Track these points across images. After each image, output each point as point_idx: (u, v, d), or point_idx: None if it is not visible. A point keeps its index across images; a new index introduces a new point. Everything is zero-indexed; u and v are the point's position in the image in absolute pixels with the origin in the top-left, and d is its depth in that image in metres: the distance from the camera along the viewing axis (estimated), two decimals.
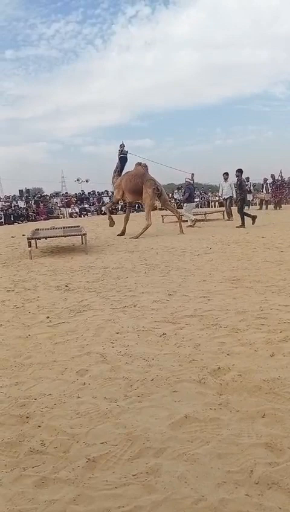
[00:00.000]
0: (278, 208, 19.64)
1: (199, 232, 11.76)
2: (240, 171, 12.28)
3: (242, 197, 12.33)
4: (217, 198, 29.33)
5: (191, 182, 14.12)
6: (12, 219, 22.36)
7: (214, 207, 27.13)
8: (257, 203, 22.08)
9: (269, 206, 20.42)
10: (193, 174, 14.05)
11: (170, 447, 2.03)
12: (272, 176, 20.42)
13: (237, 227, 12.03)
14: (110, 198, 20.65)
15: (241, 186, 12.26)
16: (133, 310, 4.36)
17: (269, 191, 20.46)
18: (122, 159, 12.12)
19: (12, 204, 23.79)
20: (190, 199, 14.16)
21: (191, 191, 14.03)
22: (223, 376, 2.72)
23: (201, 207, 27.06)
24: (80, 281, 5.99)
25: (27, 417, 2.39)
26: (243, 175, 12.65)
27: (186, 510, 1.64)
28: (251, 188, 22.49)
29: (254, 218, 11.98)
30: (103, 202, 26.66)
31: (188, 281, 5.60)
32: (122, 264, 7.26)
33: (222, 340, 3.34)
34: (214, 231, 11.70)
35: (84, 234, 9.21)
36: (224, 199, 15.73)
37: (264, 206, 20.55)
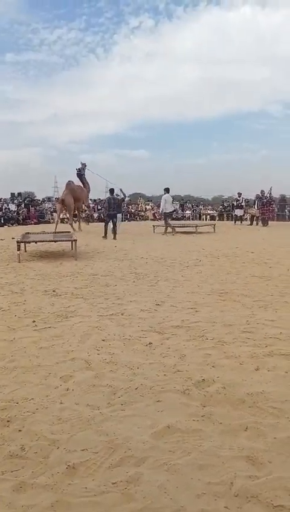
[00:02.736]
0: (264, 225, 19.81)
1: (189, 244, 11.83)
2: (111, 191, 14.59)
3: (109, 213, 13.90)
4: (208, 211, 29.67)
5: (117, 195, 15.18)
6: (2, 222, 22.23)
7: (206, 220, 27.33)
8: (248, 219, 22.29)
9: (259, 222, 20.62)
10: (121, 189, 15.72)
11: (151, 456, 2.02)
12: (262, 192, 20.64)
13: (102, 237, 13.46)
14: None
15: (108, 204, 13.94)
16: (120, 318, 4.35)
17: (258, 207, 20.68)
18: (78, 175, 16.72)
19: (3, 207, 23.67)
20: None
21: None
22: (208, 388, 2.72)
23: (193, 219, 27.22)
24: (68, 287, 5.97)
25: (8, 421, 2.36)
26: (114, 193, 14.53)
27: None
28: (243, 203, 22.66)
29: (105, 235, 13.60)
30: (95, 209, 26.72)
31: (177, 291, 5.62)
32: (111, 271, 7.25)
33: (207, 352, 3.35)
34: (203, 244, 11.78)
35: (75, 240, 9.20)
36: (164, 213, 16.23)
37: (255, 222, 20.76)
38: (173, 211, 18.86)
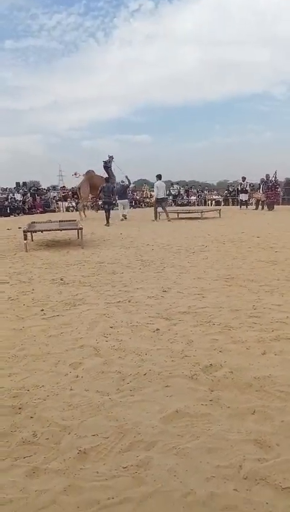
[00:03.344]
0: (270, 209, 19.64)
1: (194, 230, 11.80)
2: (106, 179, 15.20)
3: (105, 201, 14.68)
4: (214, 197, 29.48)
5: (122, 182, 16.00)
6: (8, 211, 22.28)
7: (211, 205, 27.18)
8: (253, 203, 22.13)
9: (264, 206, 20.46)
10: (126, 176, 16.31)
11: (161, 440, 2.05)
12: (267, 176, 20.41)
13: (104, 225, 13.67)
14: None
15: (104, 191, 14.52)
16: (127, 305, 4.38)
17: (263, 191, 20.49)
18: (104, 168, 17.13)
19: (9, 197, 23.68)
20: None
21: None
22: (215, 372, 2.75)
23: (198, 205, 27.09)
24: (75, 275, 6.00)
25: (20, 408, 2.40)
26: (109, 181, 15.12)
27: (175, 503, 1.66)
28: (248, 188, 22.47)
29: (107, 222, 13.94)
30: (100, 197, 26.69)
31: (183, 278, 5.63)
32: (117, 259, 7.27)
33: (214, 337, 3.37)
34: (209, 229, 11.74)
35: (81, 228, 9.20)
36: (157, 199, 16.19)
37: (260, 207, 20.62)
38: (169, 198, 19.21)
